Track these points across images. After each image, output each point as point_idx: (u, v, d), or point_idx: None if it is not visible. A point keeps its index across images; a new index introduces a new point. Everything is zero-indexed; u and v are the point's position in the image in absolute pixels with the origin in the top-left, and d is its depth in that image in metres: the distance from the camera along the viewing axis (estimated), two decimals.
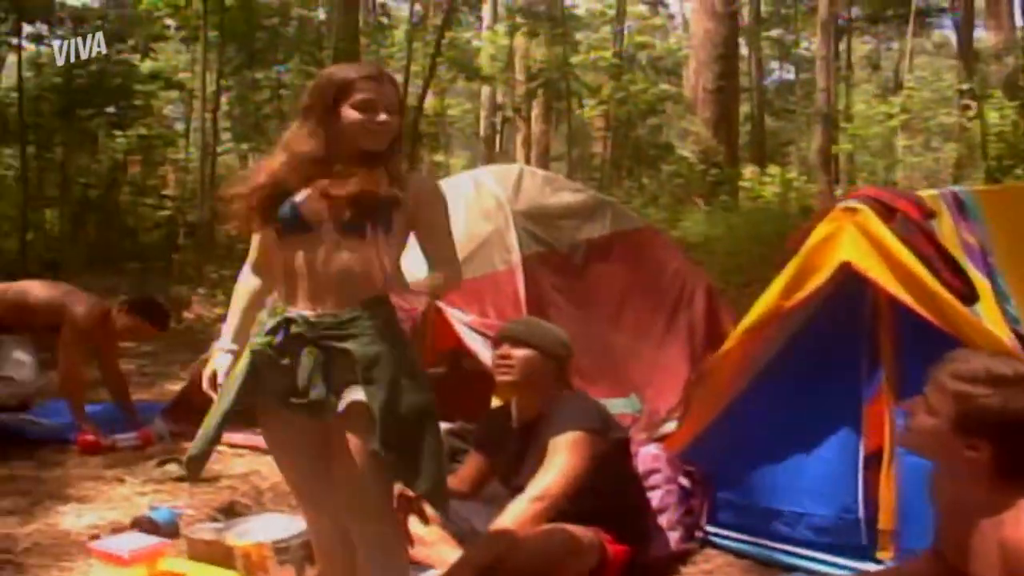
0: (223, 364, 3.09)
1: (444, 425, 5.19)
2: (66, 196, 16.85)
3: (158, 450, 5.80)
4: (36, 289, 6.13)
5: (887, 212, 3.84)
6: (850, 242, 3.84)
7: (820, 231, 3.94)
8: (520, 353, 3.90)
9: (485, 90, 25.73)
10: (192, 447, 3.05)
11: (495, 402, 5.23)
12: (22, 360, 6.10)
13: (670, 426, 5.35)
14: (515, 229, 5.73)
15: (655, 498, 4.28)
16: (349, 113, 2.93)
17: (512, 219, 5.76)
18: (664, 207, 14.11)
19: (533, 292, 5.53)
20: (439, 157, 23.07)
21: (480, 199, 5.98)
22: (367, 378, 2.87)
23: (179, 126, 22.43)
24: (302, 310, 2.93)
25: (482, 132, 26.78)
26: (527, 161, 22.48)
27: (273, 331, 2.97)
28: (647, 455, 4.39)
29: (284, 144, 3.04)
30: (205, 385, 3.10)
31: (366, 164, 2.94)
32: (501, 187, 6.00)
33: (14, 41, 15.93)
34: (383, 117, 2.94)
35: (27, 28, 16.22)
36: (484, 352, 5.27)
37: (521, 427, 3.99)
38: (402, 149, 3.15)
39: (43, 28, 16.30)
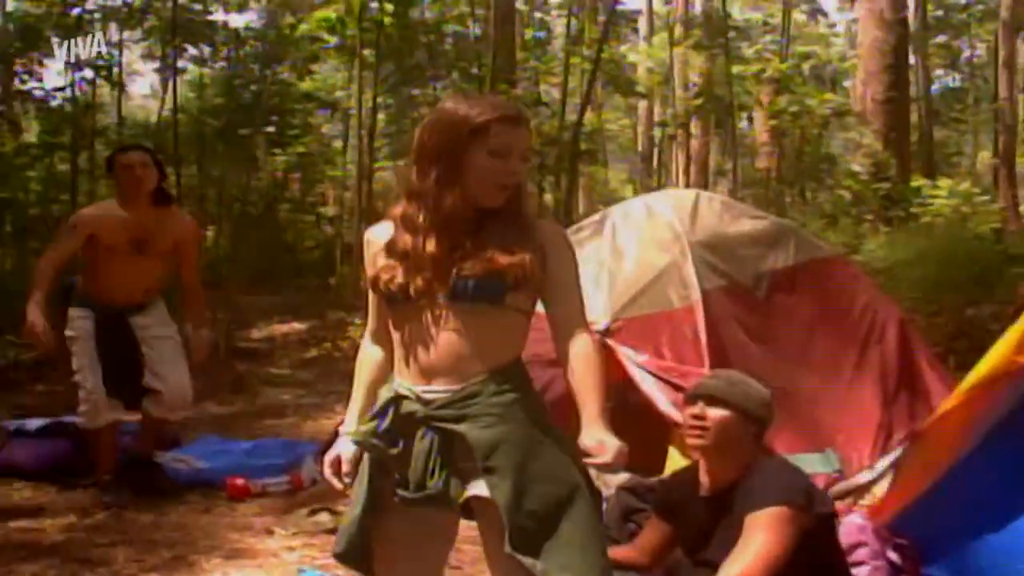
0: (346, 451, 2.72)
1: (616, 478, 4.80)
2: (227, 215, 17.02)
3: (310, 495, 5.48)
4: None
5: None
6: None
7: None
8: (717, 414, 3.39)
9: (642, 103, 25.27)
10: (336, 543, 2.72)
11: (672, 454, 4.81)
12: (174, 360, 5.64)
13: (864, 477, 4.87)
14: (693, 262, 5.25)
15: (861, 575, 3.77)
16: (480, 160, 2.47)
17: (690, 251, 5.29)
18: (842, 230, 13.36)
19: (714, 332, 5.04)
20: (594, 168, 22.60)
21: (654, 228, 5.54)
22: (488, 467, 2.44)
23: (337, 143, 22.63)
24: (414, 384, 2.54)
25: (639, 146, 26.30)
26: (686, 175, 21.95)
27: (381, 412, 2.59)
28: (851, 526, 3.88)
29: (408, 194, 2.58)
30: (327, 472, 2.75)
31: (494, 222, 2.52)
32: (676, 215, 5.53)
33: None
34: (517, 166, 2.51)
35: (190, 50, 16.50)
36: (659, 396, 4.86)
37: (712, 495, 3.51)
38: (527, 198, 2.68)
39: (205, 51, 16.50)
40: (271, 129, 17.17)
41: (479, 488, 2.46)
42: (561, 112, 15.31)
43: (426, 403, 2.50)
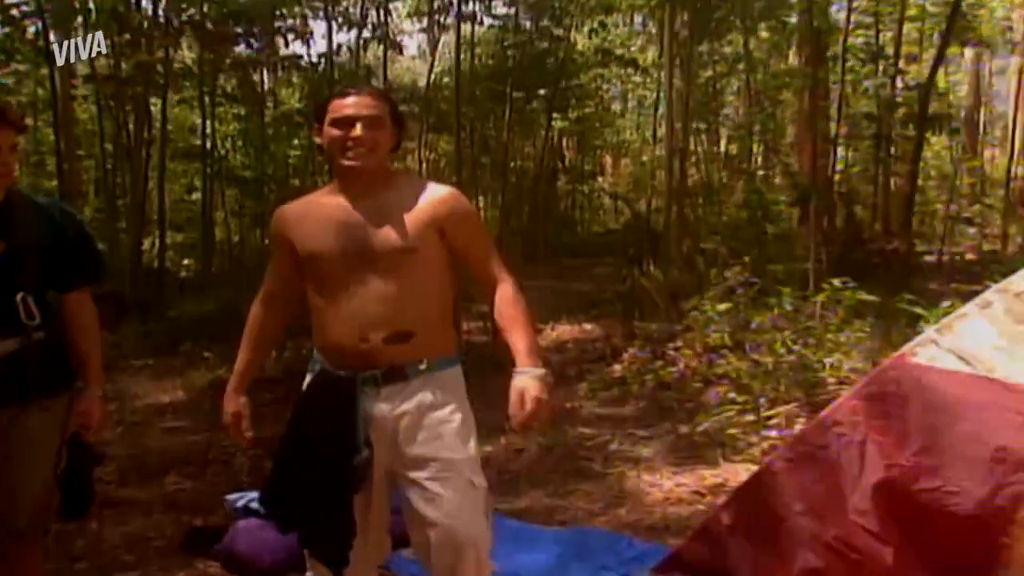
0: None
1: None
2: (499, 184, 16.19)
3: None
4: None
5: None
6: None
7: None
8: None
9: (968, 54, 21.90)
10: None
11: None
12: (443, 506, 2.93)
13: None
14: None
15: None
16: None
17: None
18: None
19: None
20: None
21: None
22: None
23: (615, 106, 20.98)
24: None
25: (963, 109, 22.79)
26: (1011, 144, 18.83)
27: None
28: None
29: None
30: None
31: None
32: None
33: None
34: None
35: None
36: None
37: None
38: None
39: (478, 7, 15.14)
40: (543, 92, 15.62)
41: None
42: (894, 69, 12.50)
43: None
